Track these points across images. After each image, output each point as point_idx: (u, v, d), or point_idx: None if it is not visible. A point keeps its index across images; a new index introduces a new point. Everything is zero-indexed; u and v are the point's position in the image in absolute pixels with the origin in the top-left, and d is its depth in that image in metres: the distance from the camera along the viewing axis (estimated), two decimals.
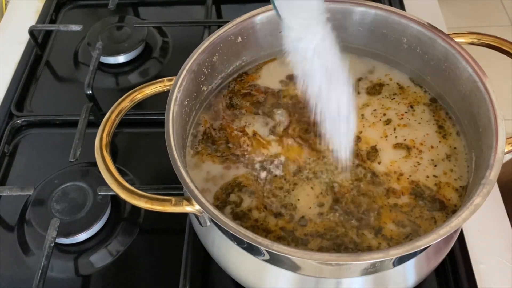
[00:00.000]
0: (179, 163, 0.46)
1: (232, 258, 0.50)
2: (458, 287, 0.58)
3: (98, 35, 0.85)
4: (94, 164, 0.49)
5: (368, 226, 0.50)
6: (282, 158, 0.55)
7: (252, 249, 0.46)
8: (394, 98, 0.60)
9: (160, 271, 0.61)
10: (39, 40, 0.87)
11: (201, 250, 0.56)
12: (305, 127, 0.58)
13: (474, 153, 0.52)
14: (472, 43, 0.57)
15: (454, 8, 2.06)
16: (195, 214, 0.47)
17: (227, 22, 0.57)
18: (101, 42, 0.82)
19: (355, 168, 0.54)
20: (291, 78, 0.62)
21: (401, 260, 0.46)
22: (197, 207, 0.45)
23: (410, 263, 0.48)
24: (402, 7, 0.88)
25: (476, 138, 0.51)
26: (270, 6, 0.57)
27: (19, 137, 0.76)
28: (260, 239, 0.41)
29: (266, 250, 0.43)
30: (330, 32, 0.48)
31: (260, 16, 0.58)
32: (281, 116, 0.59)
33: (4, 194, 0.66)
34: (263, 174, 0.54)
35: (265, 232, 0.50)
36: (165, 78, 0.54)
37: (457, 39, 0.55)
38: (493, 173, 0.44)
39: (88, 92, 0.73)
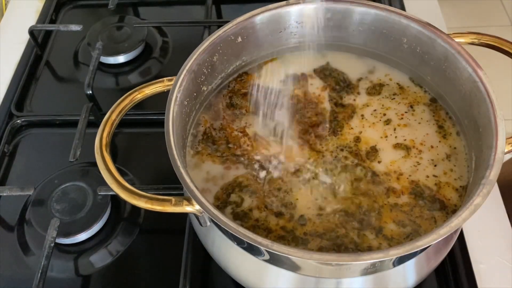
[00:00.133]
0: (179, 163, 0.46)
1: (232, 258, 0.50)
2: (458, 287, 0.58)
3: (98, 35, 0.85)
4: (94, 164, 0.49)
5: (369, 227, 0.50)
6: (282, 158, 0.55)
7: (252, 249, 0.46)
8: (394, 98, 0.60)
9: (160, 271, 0.61)
10: (39, 40, 0.87)
11: (201, 250, 0.56)
12: (305, 127, 0.58)
13: (474, 153, 0.52)
14: (472, 43, 0.57)
15: (454, 8, 2.06)
16: (195, 214, 0.47)
17: (227, 22, 0.57)
18: (101, 42, 0.82)
19: (355, 167, 0.54)
20: (291, 78, 0.62)
21: (401, 260, 0.46)
22: (197, 207, 0.45)
23: (410, 263, 0.47)
24: (402, 7, 0.88)
25: (476, 138, 0.51)
26: (270, 6, 0.57)
27: (19, 137, 0.76)
28: (260, 239, 0.41)
29: (266, 250, 0.43)
30: None
31: (260, 16, 0.58)
32: (281, 116, 0.59)
33: (4, 194, 0.66)
34: (262, 174, 0.54)
35: (266, 231, 0.50)
36: (165, 78, 0.54)
37: (457, 39, 0.55)
38: (493, 173, 0.44)
39: (88, 92, 0.73)
